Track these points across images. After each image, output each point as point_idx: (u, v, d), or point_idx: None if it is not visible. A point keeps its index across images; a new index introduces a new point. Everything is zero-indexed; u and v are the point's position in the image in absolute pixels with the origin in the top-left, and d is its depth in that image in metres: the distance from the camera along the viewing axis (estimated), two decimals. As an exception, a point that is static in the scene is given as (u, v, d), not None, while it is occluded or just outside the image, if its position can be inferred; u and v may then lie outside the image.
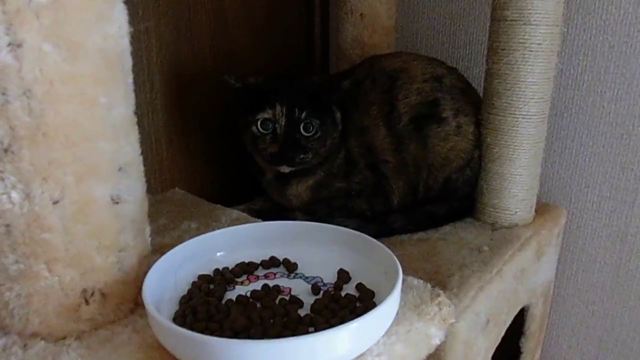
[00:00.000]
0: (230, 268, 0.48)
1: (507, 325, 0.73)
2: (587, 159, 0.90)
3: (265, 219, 0.77)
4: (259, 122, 0.71)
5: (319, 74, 0.77)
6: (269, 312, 0.40)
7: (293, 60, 1.00)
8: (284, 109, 0.70)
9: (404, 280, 0.48)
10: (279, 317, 0.40)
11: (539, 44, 0.72)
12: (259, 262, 0.50)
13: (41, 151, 0.36)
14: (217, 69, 0.87)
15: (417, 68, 0.80)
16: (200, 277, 0.46)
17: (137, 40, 0.76)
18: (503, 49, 0.74)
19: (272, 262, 0.50)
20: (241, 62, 0.90)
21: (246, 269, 0.48)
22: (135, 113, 0.42)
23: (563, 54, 0.87)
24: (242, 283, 0.47)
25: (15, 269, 0.39)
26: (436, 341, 0.43)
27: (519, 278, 0.74)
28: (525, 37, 0.72)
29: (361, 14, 0.90)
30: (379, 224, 0.76)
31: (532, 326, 0.87)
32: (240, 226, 0.53)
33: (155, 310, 0.36)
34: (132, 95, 0.41)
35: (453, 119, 0.78)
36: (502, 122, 0.77)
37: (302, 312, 0.41)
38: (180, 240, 0.56)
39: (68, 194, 0.38)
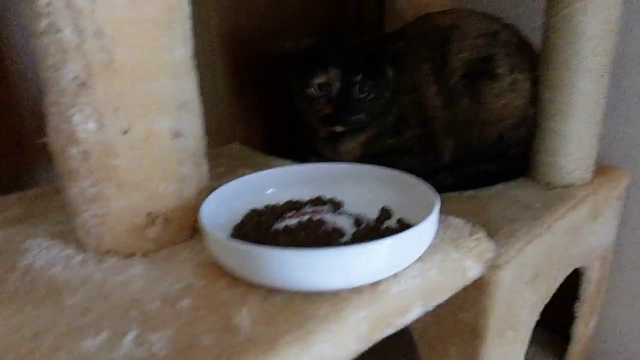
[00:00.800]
0: (279, 204, 0.52)
1: (558, 283, 0.73)
2: (653, 119, 0.86)
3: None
4: (313, 86, 0.73)
5: (372, 34, 0.78)
6: (312, 238, 0.43)
7: (347, 20, 1.01)
8: (338, 72, 0.72)
9: (444, 220, 0.50)
10: (321, 243, 0.43)
11: (601, -6, 0.70)
12: (306, 200, 0.53)
13: (112, 86, 0.41)
14: (272, 30, 0.90)
15: (470, 24, 0.79)
16: (252, 210, 0.50)
17: (198, 5, 0.80)
18: (561, 1, 0.72)
19: (319, 201, 0.53)
20: (295, 23, 0.93)
21: (294, 206, 0.52)
22: (195, 63, 0.46)
23: (630, 4, 0.83)
24: (289, 218, 0.50)
25: (91, 192, 0.44)
26: (472, 274, 0.44)
27: (571, 236, 0.73)
28: (585, -13, 0.70)
29: (417, -27, 0.90)
30: (428, 180, 0.77)
31: (588, 290, 0.86)
32: (290, 166, 0.56)
33: (210, 227, 0.40)
34: (190, 40, 0.45)
35: (508, 75, 0.78)
36: (559, 77, 0.75)
37: (343, 241, 0.45)
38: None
39: (135, 125, 0.42)
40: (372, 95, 0.74)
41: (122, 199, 0.43)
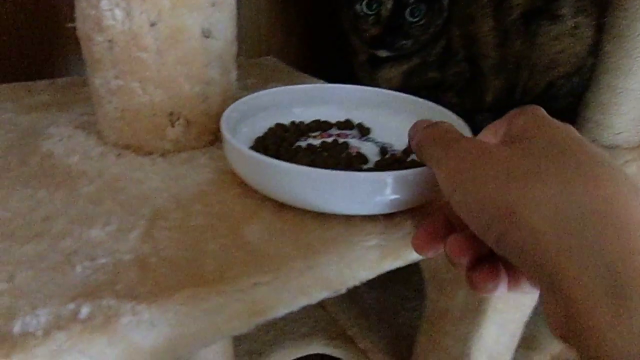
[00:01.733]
0: (305, 122, 0.50)
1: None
2: None
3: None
4: (364, 1, 0.69)
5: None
6: (333, 161, 0.42)
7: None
8: None
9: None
10: (342, 166, 0.41)
11: None
12: (334, 122, 0.51)
13: (143, -29, 0.38)
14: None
15: (539, -43, 0.72)
16: (277, 124, 0.48)
17: None
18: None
19: (347, 124, 0.51)
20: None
21: (320, 126, 0.50)
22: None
23: None
24: (314, 137, 0.48)
25: (114, 84, 0.43)
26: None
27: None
28: None
29: None
30: (467, 121, 0.73)
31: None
32: (322, 85, 0.54)
33: (230, 134, 0.38)
34: None
35: (571, 18, 0.71)
36: (628, 27, 0.68)
37: (365, 168, 0.43)
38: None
39: (163, 18, 0.40)
40: (423, 21, 0.69)
41: (144, 94, 0.42)
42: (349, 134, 0.50)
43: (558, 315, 0.23)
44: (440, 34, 0.73)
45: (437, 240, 0.32)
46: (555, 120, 0.31)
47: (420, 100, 0.50)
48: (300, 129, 0.48)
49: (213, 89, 0.45)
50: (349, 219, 0.37)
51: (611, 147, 0.74)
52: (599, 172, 0.25)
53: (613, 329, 0.21)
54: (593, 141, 0.75)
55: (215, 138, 0.47)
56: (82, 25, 0.42)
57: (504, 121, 0.33)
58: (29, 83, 0.63)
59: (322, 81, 0.65)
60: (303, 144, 0.46)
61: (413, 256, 0.38)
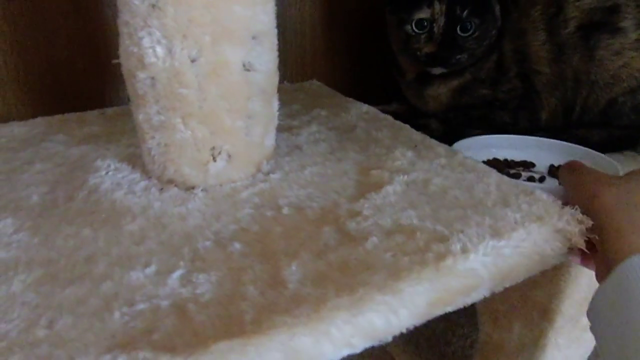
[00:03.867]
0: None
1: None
2: None
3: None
4: (414, 21, 0.67)
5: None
6: None
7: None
8: (443, 7, 0.65)
9: (530, 193, 0.45)
10: None
11: None
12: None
13: (183, 9, 0.38)
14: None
15: (598, -35, 0.68)
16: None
17: None
18: None
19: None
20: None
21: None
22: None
23: None
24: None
25: (157, 120, 0.43)
26: (553, 260, 0.39)
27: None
28: None
29: None
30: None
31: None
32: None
33: None
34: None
35: (634, 31, 0.66)
36: (699, 38, 0.63)
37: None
38: (308, 124, 0.57)
39: (204, 54, 0.40)
40: (477, 34, 0.67)
41: (186, 130, 0.42)
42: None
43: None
44: (493, 47, 0.70)
45: None
46: None
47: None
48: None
49: (255, 122, 0.44)
50: (395, 261, 0.35)
51: (682, 166, 0.68)
52: None
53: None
54: (661, 160, 0.69)
55: (256, 170, 0.46)
56: (126, 62, 0.43)
57: None
58: (80, 113, 0.65)
59: (366, 105, 0.63)
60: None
61: (466, 300, 0.35)
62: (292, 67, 0.82)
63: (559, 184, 0.50)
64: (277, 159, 0.48)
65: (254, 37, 0.41)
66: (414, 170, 0.46)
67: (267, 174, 0.46)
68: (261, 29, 0.42)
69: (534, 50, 0.70)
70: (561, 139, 0.68)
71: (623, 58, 0.67)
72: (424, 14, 0.65)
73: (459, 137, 0.66)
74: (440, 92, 0.74)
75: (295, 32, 0.82)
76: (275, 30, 0.44)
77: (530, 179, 0.60)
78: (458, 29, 0.66)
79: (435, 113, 0.76)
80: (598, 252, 0.39)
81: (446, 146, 0.52)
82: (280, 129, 0.55)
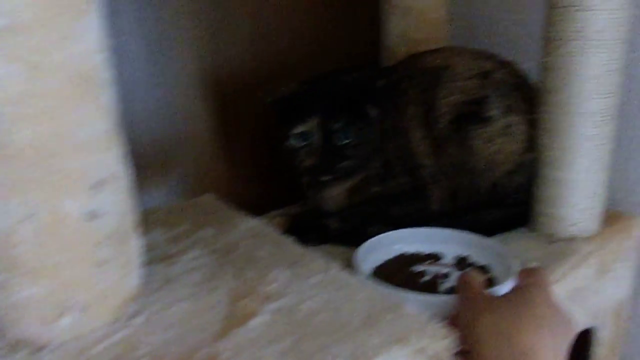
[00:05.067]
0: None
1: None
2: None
3: (298, 225, 0.77)
4: (293, 136, 0.69)
5: (356, 72, 0.73)
6: None
7: (341, 58, 0.96)
8: (318, 121, 0.68)
9: (395, 309, 0.44)
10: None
11: (599, 31, 0.63)
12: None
13: (12, 167, 0.37)
14: (258, 74, 0.86)
15: (461, 64, 0.73)
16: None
17: (171, 48, 0.77)
18: (558, 39, 0.66)
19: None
20: (285, 61, 0.89)
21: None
22: (114, 129, 0.41)
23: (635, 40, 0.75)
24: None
25: None
26: None
27: (573, 298, 0.65)
28: (582, 24, 0.63)
29: (406, 7, 0.84)
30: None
31: (600, 350, 0.78)
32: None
33: None
34: (112, 109, 0.41)
35: (501, 118, 0.71)
36: (558, 121, 0.68)
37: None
38: (189, 249, 0.56)
39: (40, 209, 0.38)
40: (355, 142, 0.69)
41: (28, 288, 0.39)
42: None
43: None
44: (378, 148, 0.73)
45: None
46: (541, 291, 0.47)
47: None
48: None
49: (107, 268, 0.42)
50: None
51: (570, 240, 0.71)
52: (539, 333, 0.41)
53: None
54: (550, 235, 0.72)
55: (116, 317, 0.44)
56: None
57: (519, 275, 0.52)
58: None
59: (253, 221, 0.63)
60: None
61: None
62: (190, 182, 0.82)
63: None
64: (144, 298, 0.46)
65: (96, 184, 0.40)
66: (286, 294, 0.45)
67: (129, 319, 0.44)
68: (105, 174, 0.41)
69: (415, 146, 0.73)
70: (455, 225, 0.69)
71: (495, 145, 0.71)
72: (300, 128, 0.68)
73: (360, 235, 0.67)
74: (336, 194, 0.75)
75: (191, 148, 0.83)
76: (126, 172, 0.44)
77: (432, 281, 0.61)
78: (337, 139, 0.68)
79: (335, 213, 0.76)
80: None
81: (323, 260, 0.51)
82: (156, 260, 0.53)
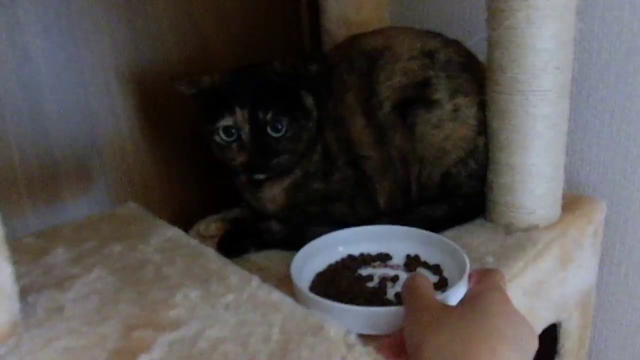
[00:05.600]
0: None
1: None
2: (631, 139, 0.73)
3: (236, 230, 0.70)
4: (220, 131, 0.61)
5: (286, 58, 0.66)
6: None
7: (279, 47, 0.89)
8: (245, 112, 0.60)
9: (317, 325, 0.38)
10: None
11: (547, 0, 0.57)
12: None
13: None
14: (184, 66, 0.78)
15: (402, 44, 0.67)
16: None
17: (87, 41, 0.69)
18: (502, 10, 0.59)
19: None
20: (214, 56, 0.81)
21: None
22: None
23: (590, 9, 0.70)
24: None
25: None
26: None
27: (534, 293, 0.60)
28: (528, -8, 0.57)
29: (344, -13, 0.78)
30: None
31: (568, 344, 0.73)
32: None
33: None
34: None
35: (448, 102, 0.65)
36: (508, 101, 0.62)
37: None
38: (91, 269, 0.48)
39: None
40: (290, 133, 0.62)
41: None
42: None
43: None
44: (316, 139, 0.66)
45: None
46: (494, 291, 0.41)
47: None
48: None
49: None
50: None
51: (529, 229, 0.65)
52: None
53: None
54: (508, 225, 0.66)
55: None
56: None
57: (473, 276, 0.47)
58: None
59: (172, 230, 0.55)
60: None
61: None
62: (113, 189, 0.74)
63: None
64: (18, 335, 0.38)
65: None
66: (189, 321, 0.38)
67: (-2, 361, 0.36)
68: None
69: (356, 136, 0.66)
70: (405, 221, 0.63)
71: (444, 130, 0.65)
72: (226, 121, 0.60)
73: (302, 236, 0.60)
74: (274, 194, 0.68)
75: (113, 152, 0.74)
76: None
77: (380, 285, 0.54)
78: (268, 131, 0.60)
79: (275, 214, 0.69)
80: None
81: (241, 275, 0.44)
82: (49, 285, 0.45)
